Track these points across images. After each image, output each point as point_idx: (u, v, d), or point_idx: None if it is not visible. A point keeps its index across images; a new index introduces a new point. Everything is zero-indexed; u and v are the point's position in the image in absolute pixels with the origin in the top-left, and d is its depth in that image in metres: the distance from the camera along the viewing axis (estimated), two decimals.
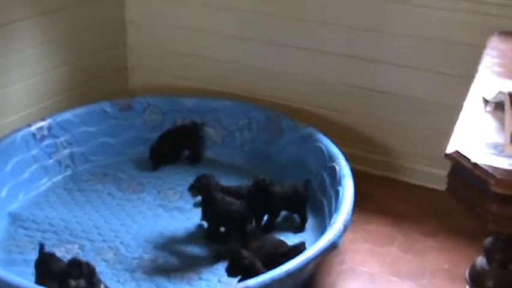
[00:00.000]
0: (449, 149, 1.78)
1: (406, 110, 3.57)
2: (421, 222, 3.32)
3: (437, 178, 3.46)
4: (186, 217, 3.25)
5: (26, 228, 3.11)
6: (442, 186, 3.42)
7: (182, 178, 3.57)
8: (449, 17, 3.27)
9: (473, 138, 1.87)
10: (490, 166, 1.66)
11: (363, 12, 3.50)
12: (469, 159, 1.70)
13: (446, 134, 3.23)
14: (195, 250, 3.02)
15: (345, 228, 2.73)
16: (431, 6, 3.30)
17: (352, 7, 3.52)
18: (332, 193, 3.10)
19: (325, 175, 3.24)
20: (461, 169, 1.70)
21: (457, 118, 3.27)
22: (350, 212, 2.83)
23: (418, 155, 3.63)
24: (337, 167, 3.15)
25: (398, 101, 3.57)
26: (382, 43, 3.50)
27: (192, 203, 3.29)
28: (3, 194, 3.21)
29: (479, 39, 2.87)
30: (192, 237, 3.10)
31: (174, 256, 2.97)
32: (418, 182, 3.65)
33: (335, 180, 3.10)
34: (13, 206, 3.24)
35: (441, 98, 3.40)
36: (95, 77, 4.08)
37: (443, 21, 3.30)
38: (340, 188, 3.00)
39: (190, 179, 3.48)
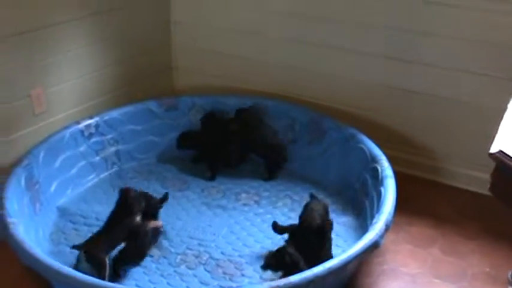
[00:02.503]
0: (493, 149, 1.79)
1: (450, 112, 3.56)
2: (463, 225, 3.31)
3: (480, 181, 3.45)
4: (229, 215, 3.30)
5: (73, 222, 3.21)
6: (485, 189, 3.43)
7: (226, 177, 3.64)
8: (494, 19, 3.26)
9: None
10: None
11: (406, 14, 3.50)
12: None
13: (489, 136, 3.25)
14: (238, 247, 3.06)
15: (387, 227, 2.75)
16: (475, 7, 3.29)
17: (395, 9, 3.52)
18: (374, 194, 3.11)
19: (367, 176, 3.26)
20: (505, 168, 1.71)
21: (501, 120, 3.28)
22: (392, 212, 2.84)
23: (461, 158, 3.61)
24: (379, 168, 3.16)
25: (442, 103, 3.57)
26: (425, 45, 3.50)
27: None
28: (53, 188, 3.31)
29: None
30: (234, 235, 3.15)
31: (216, 252, 3.01)
32: (461, 185, 3.65)
33: (377, 181, 3.12)
34: (62, 201, 3.34)
35: (485, 100, 3.39)
36: (141, 76, 4.16)
37: (487, 23, 3.29)
38: (382, 189, 3.02)
39: (234, 179, 3.59)
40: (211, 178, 3.63)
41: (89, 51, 3.74)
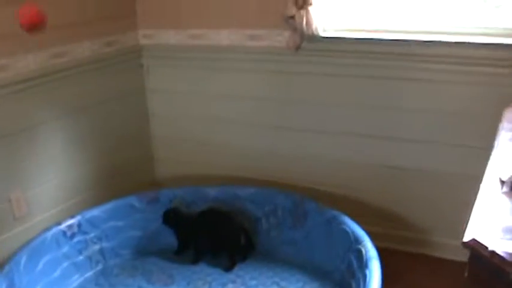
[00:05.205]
0: (466, 237, 1.78)
1: (432, 184, 3.58)
2: None
3: (466, 251, 3.42)
4: None
5: None
6: None
7: (211, 268, 3.60)
8: (464, 90, 3.33)
9: (490, 223, 1.87)
10: (508, 253, 1.66)
11: (378, 92, 3.56)
12: (486, 247, 1.70)
13: (470, 205, 3.25)
14: None
15: None
16: (444, 81, 3.36)
17: (366, 88, 3.59)
18: (360, 275, 3.08)
19: (352, 258, 3.23)
20: (480, 257, 1.70)
21: (478, 191, 3.28)
22: None
23: (444, 229, 3.60)
24: (363, 250, 3.14)
25: (423, 176, 3.59)
26: (398, 120, 3.56)
27: None
28: None
29: (497, 110, 2.87)
30: None
31: None
32: (449, 256, 3.61)
33: (362, 263, 3.09)
34: None
35: (463, 169, 3.41)
36: (122, 170, 4.18)
37: (458, 94, 3.35)
38: (367, 271, 2.99)
39: (220, 269, 3.54)
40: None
41: (67, 149, 3.76)
